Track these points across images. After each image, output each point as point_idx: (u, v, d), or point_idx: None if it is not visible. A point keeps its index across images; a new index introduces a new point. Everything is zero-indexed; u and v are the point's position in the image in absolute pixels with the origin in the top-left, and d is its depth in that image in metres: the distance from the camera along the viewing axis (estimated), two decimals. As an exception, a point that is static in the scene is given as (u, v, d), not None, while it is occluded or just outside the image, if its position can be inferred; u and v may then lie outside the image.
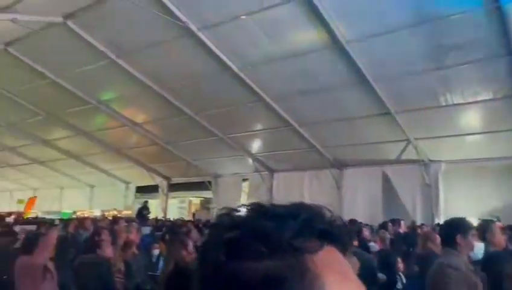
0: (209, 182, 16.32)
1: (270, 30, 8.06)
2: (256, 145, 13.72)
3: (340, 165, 12.92)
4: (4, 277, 4.61)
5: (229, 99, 10.70)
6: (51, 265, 4.11)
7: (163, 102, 11.22)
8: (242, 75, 9.42)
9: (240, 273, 0.51)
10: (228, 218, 0.59)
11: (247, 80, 9.59)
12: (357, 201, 12.37)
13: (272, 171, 14.50)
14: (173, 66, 9.80)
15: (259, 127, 12.43)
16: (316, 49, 8.26)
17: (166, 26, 8.17)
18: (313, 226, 0.56)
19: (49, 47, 9.62)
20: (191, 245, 3.59)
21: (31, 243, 4.18)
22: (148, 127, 13.41)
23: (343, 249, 0.59)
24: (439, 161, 11.32)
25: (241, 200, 15.26)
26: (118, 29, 8.75)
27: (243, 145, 13.43)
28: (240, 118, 11.74)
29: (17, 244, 5.71)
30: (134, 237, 6.07)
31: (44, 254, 3.94)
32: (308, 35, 8.11)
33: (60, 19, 8.49)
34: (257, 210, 0.59)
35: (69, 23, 8.59)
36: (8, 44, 9.70)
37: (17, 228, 7.84)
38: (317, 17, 7.35)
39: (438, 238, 4.79)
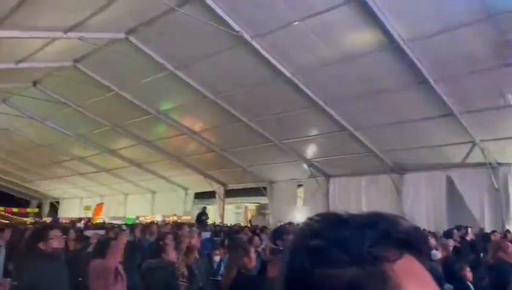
0: (265, 188, 16.40)
1: (323, 34, 8.01)
2: (311, 151, 13.61)
3: (400, 169, 12.46)
4: (79, 279, 4.92)
5: (283, 105, 10.74)
6: (120, 268, 4.34)
7: (219, 110, 11.51)
8: (295, 80, 9.43)
9: (323, 280, 0.54)
10: (308, 227, 0.61)
11: (301, 85, 9.58)
12: (419, 207, 11.86)
13: (327, 176, 14.30)
14: (228, 75, 10.03)
15: (314, 132, 12.31)
16: (372, 51, 8.08)
17: (221, 37, 8.38)
18: (391, 235, 0.56)
19: (113, 61, 10.21)
20: (253, 252, 3.65)
21: (103, 247, 4.45)
22: (205, 134, 13.78)
23: (421, 258, 0.59)
24: (509, 164, 10.61)
25: (297, 206, 15.20)
26: (176, 41, 9.12)
27: (298, 150, 13.38)
28: (294, 124, 11.72)
29: (90, 249, 6.06)
30: (195, 242, 6.25)
31: (115, 257, 4.16)
32: (363, 37, 7.97)
33: (122, 35, 9.03)
34: (335, 219, 0.61)
35: (131, 38, 9.10)
36: (76, 61, 10.46)
37: (88, 233, 8.33)
38: (372, 18, 7.20)
39: (511, 247, 4.49)
